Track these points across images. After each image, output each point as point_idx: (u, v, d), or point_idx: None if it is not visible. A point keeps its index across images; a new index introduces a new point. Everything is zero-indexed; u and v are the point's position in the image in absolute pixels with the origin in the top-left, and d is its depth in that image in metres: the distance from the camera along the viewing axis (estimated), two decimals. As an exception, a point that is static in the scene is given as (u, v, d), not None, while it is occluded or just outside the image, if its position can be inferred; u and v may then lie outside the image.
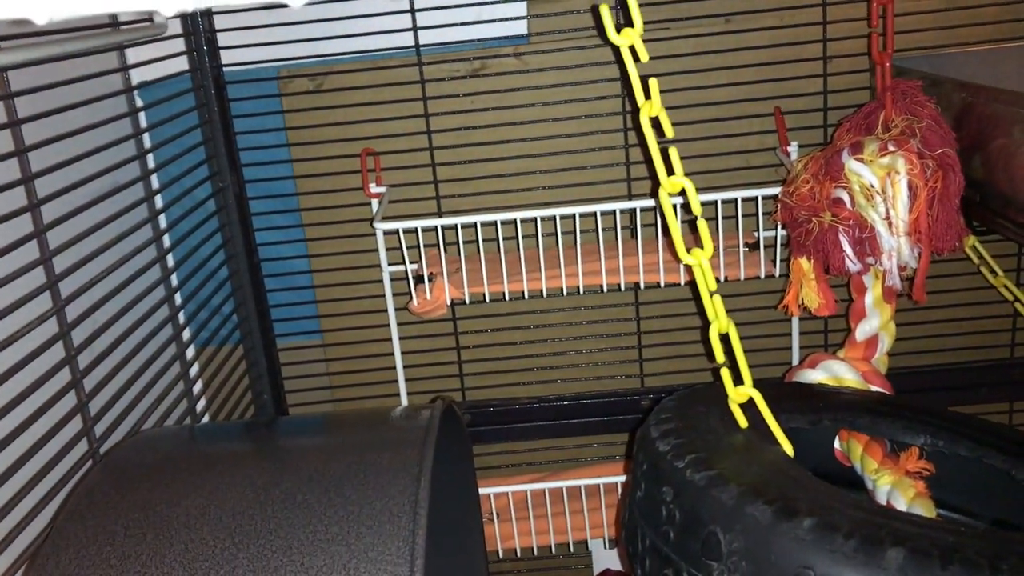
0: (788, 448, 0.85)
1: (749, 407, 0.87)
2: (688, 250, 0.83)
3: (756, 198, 1.20)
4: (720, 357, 0.85)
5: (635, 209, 1.22)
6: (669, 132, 0.81)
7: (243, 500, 0.78)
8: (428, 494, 0.76)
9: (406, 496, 0.76)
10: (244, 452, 0.89)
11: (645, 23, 0.78)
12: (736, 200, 1.20)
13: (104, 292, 1.00)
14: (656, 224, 1.19)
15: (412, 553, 0.71)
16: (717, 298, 0.84)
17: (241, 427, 1.05)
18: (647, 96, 0.81)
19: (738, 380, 0.87)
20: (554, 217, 1.20)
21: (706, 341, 0.86)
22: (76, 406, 0.92)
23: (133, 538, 0.74)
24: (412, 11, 1.29)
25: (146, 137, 1.22)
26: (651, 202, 1.19)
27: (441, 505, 1.03)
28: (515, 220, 1.19)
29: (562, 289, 1.23)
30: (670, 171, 0.82)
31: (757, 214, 1.22)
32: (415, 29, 1.30)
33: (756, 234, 1.26)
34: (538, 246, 1.26)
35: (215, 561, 0.72)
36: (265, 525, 0.75)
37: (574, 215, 1.21)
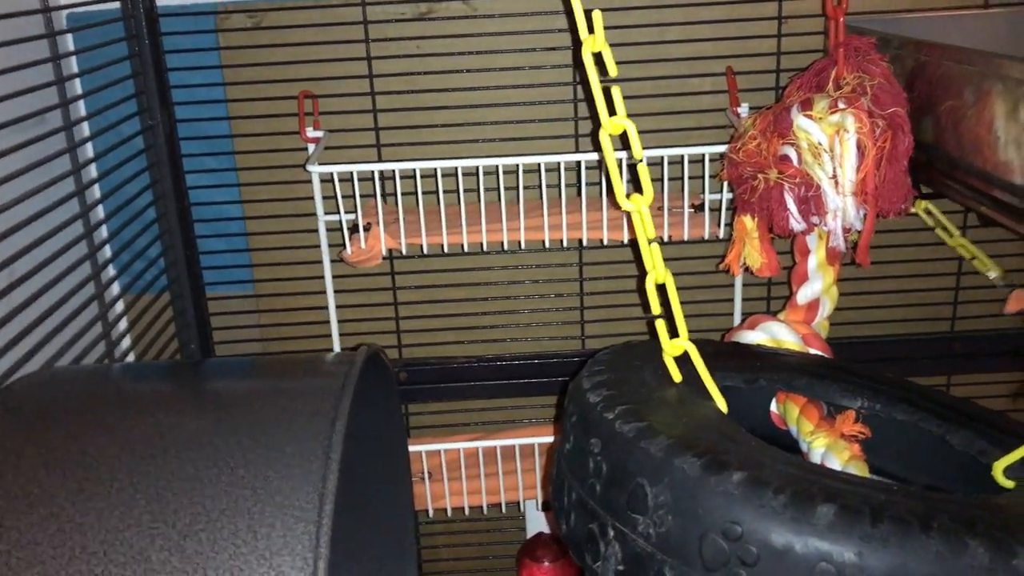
0: (722, 404, 0.83)
1: (684, 362, 0.85)
2: (627, 196, 0.80)
3: (703, 156, 1.17)
4: (656, 308, 0.82)
5: (580, 163, 1.18)
6: (613, 70, 0.78)
7: (146, 441, 0.73)
8: (342, 439, 0.72)
9: (318, 441, 0.72)
10: (154, 393, 0.84)
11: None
12: (683, 158, 1.17)
13: (16, 220, 0.94)
14: (601, 182, 1.16)
15: (321, 498, 0.67)
16: (655, 247, 0.81)
17: (154, 368, 1.00)
18: (590, 30, 0.77)
19: (673, 333, 0.84)
20: (496, 168, 1.16)
21: (643, 292, 0.83)
22: (-25, 339, 0.87)
23: (23, 475, 0.69)
24: (357, -52, 1.24)
25: (73, 62, 1.16)
26: (596, 155, 1.16)
27: (360, 453, 0.99)
28: (456, 169, 1.15)
29: (503, 243, 1.19)
30: (612, 111, 0.78)
31: (704, 175, 1.19)
32: (360, -33, 1.25)
33: (702, 196, 1.23)
34: (479, 199, 1.22)
35: (110, 501, 0.68)
36: (167, 466, 0.70)
37: (517, 166, 1.17)
